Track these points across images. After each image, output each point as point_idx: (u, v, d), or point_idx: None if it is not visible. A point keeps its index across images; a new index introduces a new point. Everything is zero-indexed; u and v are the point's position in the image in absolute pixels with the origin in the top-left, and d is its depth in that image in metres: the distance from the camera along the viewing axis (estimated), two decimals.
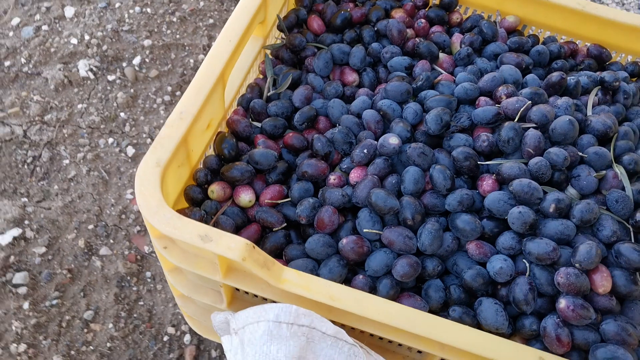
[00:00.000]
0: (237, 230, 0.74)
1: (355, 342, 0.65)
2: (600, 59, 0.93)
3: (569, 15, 0.94)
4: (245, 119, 0.81)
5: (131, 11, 1.70)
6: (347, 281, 0.70)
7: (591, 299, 0.65)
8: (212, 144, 0.79)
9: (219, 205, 0.74)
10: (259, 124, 0.82)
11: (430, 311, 0.68)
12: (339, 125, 0.80)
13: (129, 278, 1.21)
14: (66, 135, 1.42)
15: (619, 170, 0.70)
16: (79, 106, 1.51)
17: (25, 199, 1.30)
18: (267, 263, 0.62)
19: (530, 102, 0.74)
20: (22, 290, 1.21)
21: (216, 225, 0.72)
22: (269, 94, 0.86)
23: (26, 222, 1.27)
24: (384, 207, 0.68)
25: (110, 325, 1.19)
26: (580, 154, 0.72)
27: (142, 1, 1.73)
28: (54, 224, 1.26)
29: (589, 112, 0.80)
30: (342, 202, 0.72)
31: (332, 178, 0.76)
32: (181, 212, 0.71)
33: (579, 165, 0.72)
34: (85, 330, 1.18)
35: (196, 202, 0.74)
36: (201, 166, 0.78)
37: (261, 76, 0.92)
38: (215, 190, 0.74)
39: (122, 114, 1.48)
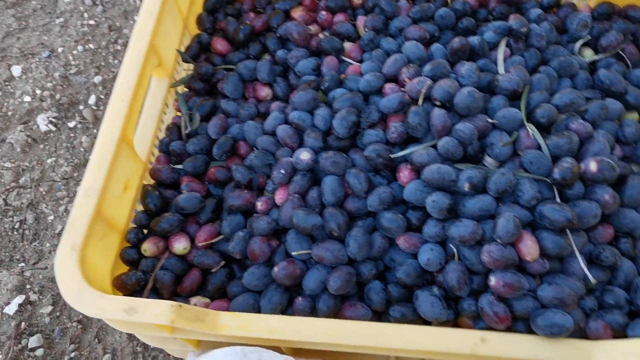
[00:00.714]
0: (178, 280, 0.75)
1: None
2: (511, 1, 0.89)
3: None
4: (166, 166, 0.82)
5: (75, 52, 1.71)
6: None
7: (524, 266, 0.64)
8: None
9: (155, 261, 0.76)
10: (181, 166, 0.82)
11: (376, 312, 0.69)
12: (256, 148, 0.80)
13: None
14: (44, 193, 1.45)
15: (530, 128, 0.68)
16: (49, 161, 1.54)
17: (22, 264, 1.34)
18: (200, 315, 0.63)
19: (430, 81, 0.73)
20: (40, 352, 1.26)
21: (155, 282, 0.74)
22: (186, 132, 0.86)
23: (27, 286, 1.31)
24: (306, 227, 0.69)
25: None
26: (490, 120, 0.70)
27: (83, 39, 1.73)
28: (54, 282, 1.31)
29: (500, 69, 0.78)
30: (269, 229, 0.72)
31: (259, 204, 0.76)
32: (119, 278, 0.72)
33: (492, 132, 0.70)
34: None
35: (133, 263, 0.76)
36: (133, 225, 0.79)
37: (179, 113, 0.92)
38: (148, 248, 0.75)
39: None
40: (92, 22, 1.76)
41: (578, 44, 0.83)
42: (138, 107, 0.78)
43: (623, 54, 0.84)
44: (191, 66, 0.96)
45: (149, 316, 0.61)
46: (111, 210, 0.73)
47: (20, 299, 1.31)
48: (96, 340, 1.29)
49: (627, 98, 0.76)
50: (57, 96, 1.63)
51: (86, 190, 0.69)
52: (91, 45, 1.72)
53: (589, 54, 0.84)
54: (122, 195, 0.76)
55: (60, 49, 1.70)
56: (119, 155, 0.73)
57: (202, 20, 0.96)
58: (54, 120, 1.61)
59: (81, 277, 0.63)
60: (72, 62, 1.70)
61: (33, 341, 1.26)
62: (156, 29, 0.82)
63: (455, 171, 0.68)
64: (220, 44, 0.93)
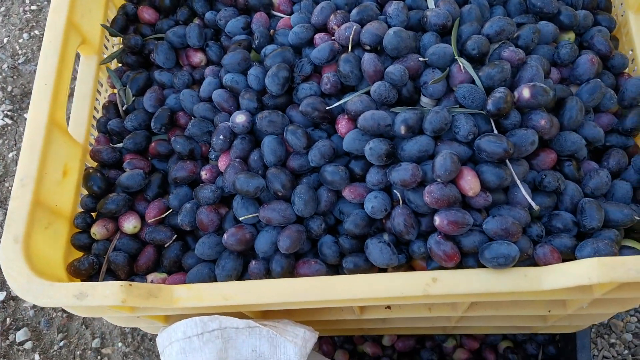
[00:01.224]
0: (134, 258, 0.74)
1: (269, 323, 0.67)
2: None
3: None
4: (106, 146, 0.80)
5: (20, 40, 1.65)
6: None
7: (468, 202, 0.65)
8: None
9: (107, 243, 0.75)
10: (122, 145, 0.81)
11: (331, 266, 0.69)
12: (193, 117, 0.78)
13: None
14: (10, 188, 1.43)
15: (461, 62, 0.67)
16: (10, 155, 1.51)
17: None
18: (152, 292, 0.63)
19: (357, 26, 0.71)
20: (28, 345, 1.27)
21: (110, 264, 0.73)
22: (123, 109, 0.84)
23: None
24: (249, 190, 0.68)
25: (120, 344, 1.25)
26: (421, 59, 0.69)
27: (27, 26, 1.67)
28: None
29: (430, 4, 0.75)
30: (215, 197, 0.71)
31: (204, 173, 0.75)
32: (72, 264, 0.72)
33: (425, 71, 0.69)
34: (99, 356, 1.25)
35: (86, 248, 0.75)
36: (80, 209, 0.78)
37: (115, 90, 0.89)
38: (97, 231, 0.74)
39: None
40: (34, 7, 1.69)
41: None
42: (65, 88, 0.75)
43: None
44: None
45: (100, 298, 0.60)
46: (53, 198, 0.72)
47: (2, 295, 1.31)
48: (83, 326, 1.30)
49: (561, 19, 0.75)
50: (9, 88, 1.59)
51: (21, 180, 0.67)
52: (36, 32, 1.67)
53: None
54: (63, 181, 0.74)
55: (5, 39, 1.64)
56: (52, 141, 0.71)
57: None
58: (9, 113, 1.57)
59: (27, 268, 0.63)
60: (19, 52, 1.64)
61: (20, 335, 1.27)
62: (73, 5, 0.78)
63: (391, 115, 0.67)
64: (147, 13, 0.89)
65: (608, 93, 0.71)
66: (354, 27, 0.70)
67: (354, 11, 0.73)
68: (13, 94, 1.59)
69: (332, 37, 0.74)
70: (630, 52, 0.78)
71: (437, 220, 0.62)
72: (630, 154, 0.72)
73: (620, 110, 0.74)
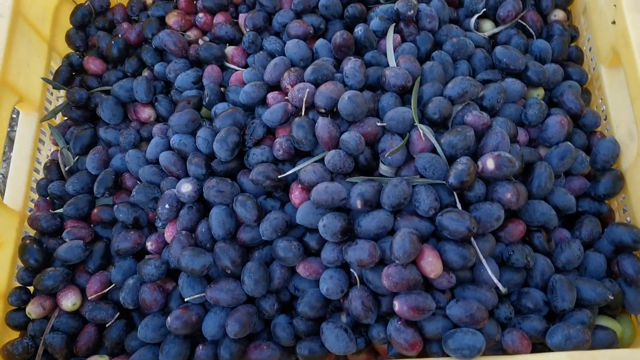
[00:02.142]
0: (73, 338, 0.68)
1: None
2: None
3: None
4: (46, 213, 0.74)
5: None
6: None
7: (431, 283, 0.60)
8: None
9: (45, 322, 0.69)
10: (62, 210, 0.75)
11: (285, 348, 0.64)
12: (139, 182, 0.73)
13: None
14: None
15: (421, 128, 0.62)
16: None
17: None
18: None
19: (311, 88, 0.66)
20: None
21: (46, 347, 0.67)
22: (66, 169, 0.78)
23: None
24: (195, 269, 0.62)
25: None
26: (379, 124, 0.64)
27: None
28: None
29: (391, 62, 0.71)
30: (159, 273, 0.65)
31: (149, 244, 0.70)
32: (4, 348, 0.66)
33: (383, 137, 0.64)
34: None
35: (21, 327, 0.69)
36: (16, 283, 0.72)
37: (58, 148, 0.83)
38: (32, 310, 0.68)
39: None
40: None
41: (473, 19, 0.76)
42: None
43: (524, 23, 0.77)
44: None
45: None
46: None
47: None
48: None
49: (528, 75, 0.70)
50: None
51: None
52: None
53: (488, 27, 0.78)
54: None
55: None
56: None
57: (70, 38, 0.86)
58: None
59: None
60: None
61: None
62: (7, 64, 0.72)
63: (347, 187, 0.62)
64: (93, 64, 0.83)
65: (579, 156, 0.67)
66: (307, 89, 0.65)
67: (309, 70, 0.68)
68: None
69: (286, 97, 0.69)
70: (603, 109, 0.74)
71: (397, 305, 0.57)
72: (603, 221, 0.68)
73: (592, 172, 0.70)
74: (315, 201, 0.61)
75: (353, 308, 0.60)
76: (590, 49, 0.78)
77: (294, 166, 0.66)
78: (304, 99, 0.65)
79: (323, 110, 0.65)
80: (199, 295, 0.63)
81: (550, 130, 0.66)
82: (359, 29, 0.72)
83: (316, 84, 0.67)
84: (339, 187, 0.61)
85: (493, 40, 0.78)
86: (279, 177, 0.65)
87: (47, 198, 0.78)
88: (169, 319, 0.62)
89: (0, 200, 0.70)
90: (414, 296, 0.57)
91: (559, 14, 0.80)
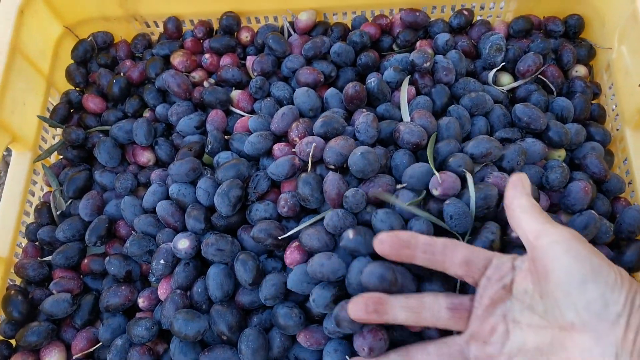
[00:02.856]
0: None
1: None
2: (416, 25, 0.79)
3: None
4: (33, 260, 0.70)
5: None
6: None
7: None
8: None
9: None
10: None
11: None
12: (134, 232, 0.68)
13: None
14: None
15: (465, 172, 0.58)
16: None
17: None
18: None
19: (318, 142, 0.62)
20: None
21: None
22: (58, 214, 0.74)
23: None
24: (189, 334, 0.58)
25: None
26: (400, 186, 0.60)
27: None
28: None
29: (405, 116, 0.67)
30: (150, 335, 0.61)
31: (141, 301, 0.65)
32: None
33: (401, 191, 0.60)
34: None
35: None
36: None
37: (52, 189, 0.79)
38: None
39: None
40: None
41: (491, 73, 0.73)
42: None
43: (544, 78, 0.74)
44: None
45: None
46: None
47: None
48: None
49: (550, 135, 0.66)
50: None
51: None
52: None
53: (506, 81, 0.74)
54: None
55: None
56: None
57: (70, 73, 0.83)
58: None
59: None
60: None
61: None
62: (1, 102, 0.69)
63: (349, 261, 0.57)
64: (92, 102, 0.80)
65: (604, 226, 0.63)
66: (314, 144, 0.62)
67: (318, 123, 0.64)
68: None
69: (293, 150, 0.65)
70: (627, 172, 0.70)
71: None
72: None
73: (616, 240, 0.66)
74: (312, 274, 0.56)
75: None
76: (613, 109, 0.74)
77: (298, 222, 0.62)
78: (310, 155, 0.61)
79: (332, 167, 0.61)
80: None
81: (573, 196, 0.62)
82: (372, 80, 0.68)
83: (326, 137, 0.64)
84: (336, 265, 0.56)
85: (511, 94, 0.74)
86: (279, 237, 0.60)
87: (36, 243, 0.73)
88: None
89: None
90: None
91: (580, 70, 0.76)
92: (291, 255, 0.59)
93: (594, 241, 0.64)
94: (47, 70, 0.80)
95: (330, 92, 0.70)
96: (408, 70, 0.72)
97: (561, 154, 0.68)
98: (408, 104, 0.68)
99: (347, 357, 0.55)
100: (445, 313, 0.49)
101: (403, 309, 0.49)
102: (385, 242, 0.48)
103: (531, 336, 0.44)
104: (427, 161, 0.61)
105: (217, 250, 0.61)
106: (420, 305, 0.49)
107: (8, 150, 0.78)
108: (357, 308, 0.48)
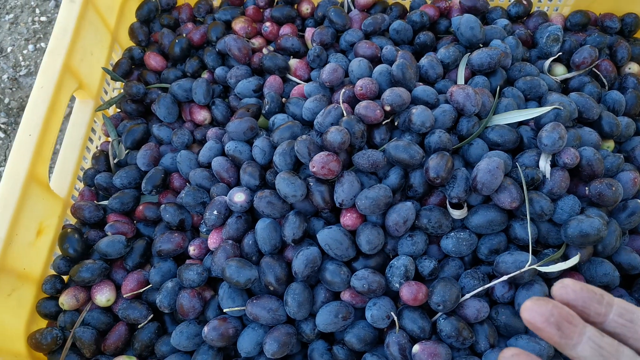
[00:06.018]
0: (103, 335, 0.67)
1: None
2: (475, 10, 0.80)
3: None
4: (90, 203, 0.73)
5: (25, 52, 1.59)
6: None
7: None
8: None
9: (76, 314, 0.67)
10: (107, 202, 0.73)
11: None
12: (188, 184, 0.71)
13: None
14: None
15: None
16: (0, 169, 1.44)
17: None
18: None
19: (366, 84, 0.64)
20: None
21: (75, 340, 0.65)
22: (115, 162, 0.77)
23: None
24: (239, 281, 0.61)
25: None
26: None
27: (34, 37, 1.60)
28: None
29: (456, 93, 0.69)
30: (200, 280, 0.64)
31: (192, 249, 0.68)
32: (33, 336, 0.64)
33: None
34: None
35: (52, 317, 0.68)
36: (52, 271, 0.70)
37: (109, 139, 0.82)
38: (65, 301, 0.66)
39: None
40: (44, 18, 1.63)
41: (547, 62, 0.74)
42: (51, 141, 0.68)
43: (598, 72, 0.75)
44: None
45: None
46: (22, 261, 0.65)
47: None
48: None
49: (602, 124, 0.68)
50: (6, 100, 1.52)
51: None
52: (43, 44, 1.60)
53: (560, 71, 0.75)
54: (36, 241, 0.67)
55: (9, 49, 1.58)
56: (28, 199, 0.64)
57: (134, 31, 0.86)
58: (3, 126, 1.50)
59: None
60: (22, 63, 1.58)
61: None
62: (72, 48, 0.72)
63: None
64: (154, 60, 0.83)
65: None
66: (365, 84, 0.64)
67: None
68: (10, 106, 1.52)
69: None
70: None
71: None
72: None
73: None
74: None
75: (392, 351, 0.57)
76: None
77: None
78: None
79: (388, 108, 0.63)
80: (238, 309, 0.61)
81: (622, 185, 0.63)
82: (425, 62, 0.70)
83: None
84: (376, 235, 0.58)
85: (564, 85, 0.76)
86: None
87: (92, 188, 0.77)
88: (205, 328, 0.61)
89: (48, 187, 0.69)
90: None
91: (634, 67, 0.77)
92: (355, 218, 0.62)
93: (635, 230, 0.65)
94: (113, 25, 0.83)
95: (380, 68, 0.70)
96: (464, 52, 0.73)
97: (610, 145, 0.69)
98: (465, 82, 0.70)
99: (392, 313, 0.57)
100: None
101: (591, 345, 0.36)
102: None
103: None
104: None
105: (268, 203, 0.63)
106: (616, 351, 0.36)
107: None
108: (539, 310, 0.36)
